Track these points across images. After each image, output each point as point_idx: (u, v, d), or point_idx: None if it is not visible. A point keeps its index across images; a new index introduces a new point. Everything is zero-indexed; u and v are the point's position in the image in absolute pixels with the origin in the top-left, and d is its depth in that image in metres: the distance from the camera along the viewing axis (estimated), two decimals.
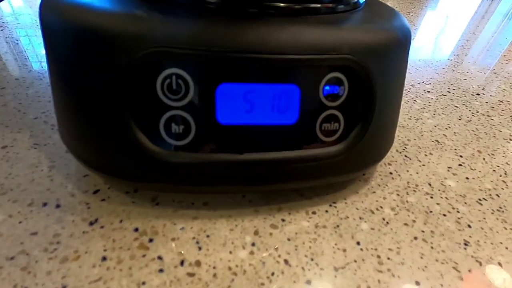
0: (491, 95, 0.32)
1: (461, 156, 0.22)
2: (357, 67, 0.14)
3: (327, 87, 0.14)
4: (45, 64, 0.27)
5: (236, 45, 0.13)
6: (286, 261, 0.14)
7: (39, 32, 0.33)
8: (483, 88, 0.33)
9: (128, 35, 0.12)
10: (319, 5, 0.15)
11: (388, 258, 0.15)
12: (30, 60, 0.28)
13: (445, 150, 0.23)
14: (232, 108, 0.14)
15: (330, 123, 0.15)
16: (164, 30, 0.13)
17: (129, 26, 0.13)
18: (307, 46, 0.13)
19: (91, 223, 0.15)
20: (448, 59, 0.40)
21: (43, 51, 0.29)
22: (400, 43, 0.16)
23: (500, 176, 0.21)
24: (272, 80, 0.14)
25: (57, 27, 0.14)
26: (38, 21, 0.35)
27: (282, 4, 0.14)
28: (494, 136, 0.25)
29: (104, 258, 0.13)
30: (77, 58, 0.13)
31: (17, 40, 0.31)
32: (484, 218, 0.17)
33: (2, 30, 0.32)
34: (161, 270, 0.13)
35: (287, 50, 0.13)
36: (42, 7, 0.14)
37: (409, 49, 0.17)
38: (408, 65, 0.37)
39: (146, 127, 0.14)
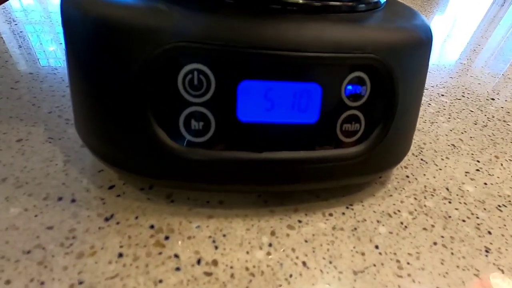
0: (506, 100, 0.31)
1: (478, 161, 0.22)
2: (380, 67, 0.14)
3: (349, 87, 0.14)
4: (55, 60, 0.27)
5: (259, 41, 0.13)
6: (304, 263, 0.14)
7: (48, 28, 0.33)
8: (498, 93, 0.33)
9: (150, 29, 0.12)
10: (340, 3, 0.15)
11: (408, 263, 0.14)
12: (42, 54, 0.28)
13: (462, 154, 0.22)
14: (253, 105, 0.13)
15: (351, 124, 0.15)
16: (186, 25, 0.12)
17: (150, 20, 0.12)
18: (330, 44, 0.13)
19: (106, 219, 0.14)
20: (461, 63, 0.39)
21: (51, 48, 0.29)
22: (422, 43, 0.16)
23: None
24: (294, 78, 0.13)
25: (78, 20, 0.14)
26: (47, 17, 0.35)
27: (302, 1, 0.14)
28: (511, 142, 0.25)
29: (120, 255, 0.13)
30: (98, 52, 0.13)
31: (28, 36, 0.31)
32: (505, 225, 0.17)
33: (16, 24, 0.33)
34: (177, 269, 0.13)
35: (310, 47, 0.13)
36: (63, 1, 0.14)
37: (431, 49, 0.17)
38: None
39: (166, 122, 0.13)
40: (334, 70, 0.14)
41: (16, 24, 0.33)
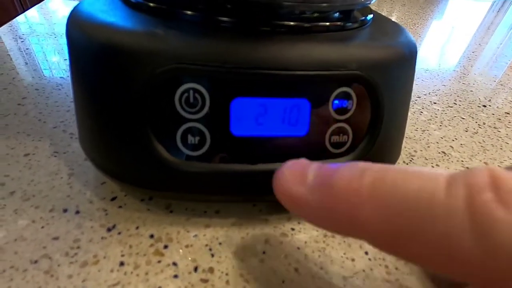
0: (497, 106, 0.32)
1: (467, 168, 0.22)
2: (365, 82, 0.15)
3: (336, 101, 0.15)
4: (60, 72, 0.28)
5: (250, 61, 0.14)
6: (296, 269, 0.14)
7: (53, 42, 0.34)
8: (490, 100, 0.33)
9: (148, 53, 0.13)
10: (327, 23, 0.16)
11: (396, 268, 0.15)
12: (48, 70, 0.29)
13: (452, 161, 0.23)
14: (245, 121, 0.14)
15: (339, 136, 0.15)
16: (182, 48, 0.13)
17: (149, 44, 0.13)
18: (317, 62, 0.14)
19: (109, 229, 0.15)
20: (454, 70, 0.40)
21: (54, 58, 0.31)
22: (406, 59, 0.16)
23: None
24: (284, 95, 0.14)
25: (81, 43, 0.15)
26: (54, 32, 0.37)
27: (292, 23, 0.15)
28: (501, 148, 0.25)
29: (121, 263, 0.14)
30: (100, 73, 0.14)
31: (34, 52, 0.32)
32: None
33: (22, 41, 0.34)
34: (176, 276, 0.14)
35: (298, 66, 0.14)
36: (68, 24, 0.15)
37: (415, 64, 0.18)
38: (415, 77, 0.37)
39: (164, 138, 0.14)
40: (321, 87, 0.15)
41: (22, 41, 0.34)
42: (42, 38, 0.36)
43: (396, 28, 0.19)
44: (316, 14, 0.16)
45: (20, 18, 0.41)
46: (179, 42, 0.13)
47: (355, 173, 0.09)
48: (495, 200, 0.07)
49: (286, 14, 0.15)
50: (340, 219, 0.09)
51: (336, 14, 0.17)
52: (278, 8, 0.15)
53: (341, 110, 0.15)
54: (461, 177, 0.08)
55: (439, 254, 0.07)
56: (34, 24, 0.40)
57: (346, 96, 0.15)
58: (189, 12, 0.15)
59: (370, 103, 0.15)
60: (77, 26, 0.15)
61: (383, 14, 0.24)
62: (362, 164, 0.09)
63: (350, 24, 0.17)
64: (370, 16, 0.19)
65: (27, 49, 0.32)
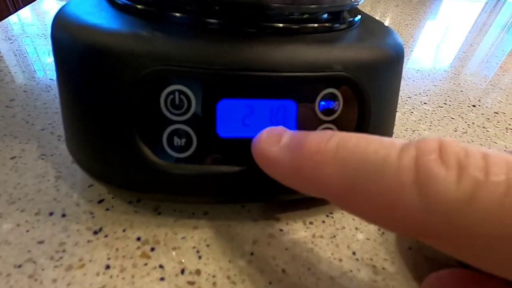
0: (487, 106, 0.32)
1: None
2: (351, 84, 0.15)
3: (322, 102, 0.15)
4: (50, 73, 0.28)
5: (235, 63, 0.14)
6: (283, 270, 0.14)
7: (45, 43, 0.34)
8: (479, 100, 0.34)
9: (133, 54, 0.13)
10: (315, 24, 0.16)
11: (383, 268, 0.15)
12: (38, 72, 0.29)
13: None
14: (231, 122, 0.14)
15: None
16: (167, 49, 0.13)
17: (134, 46, 0.13)
18: (303, 64, 0.14)
19: (95, 232, 0.15)
20: (445, 70, 0.41)
21: (49, 60, 0.30)
22: (392, 60, 0.17)
23: None
24: (270, 96, 0.14)
25: (66, 45, 0.15)
26: (45, 32, 0.37)
27: (280, 25, 0.15)
28: (490, 148, 0.26)
29: (107, 267, 0.14)
30: (86, 75, 0.14)
31: (26, 53, 0.32)
32: None
33: (11, 43, 0.34)
34: (162, 279, 0.14)
35: (284, 68, 0.14)
36: (53, 25, 0.15)
37: (401, 65, 0.18)
38: (406, 77, 0.37)
39: (150, 140, 0.14)
40: (307, 88, 0.15)
41: (12, 43, 0.34)
42: (35, 38, 0.35)
43: (383, 30, 0.19)
44: (304, 16, 0.16)
45: (13, 18, 0.41)
46: (165, 44, 0.13)
47: (323, 137, 0.10)
48: (438, 161, 0.08)
49: (273, 15, 0.15)
50: (306, 177, 0.10)
51: (324, 16, 0.17)
52: (266, 9, 0.15)
53: (327, 111, 0.15)
54: (414, 142, 0.09)
55: (385, 207, 0.08)
56: (26, 24, 0.39)
57: (333, 97, 0.15)
58: (176, 14, 0.15)
59: (356, 104, 0.16)
60: (62, 27, 0.15)
61: (377, 15, 0.24)
62: (331, 131, 0.11)
63: (337, 25, 0.17)
64: (358, 17, 0.19)
65: (18, 50, 0.32)
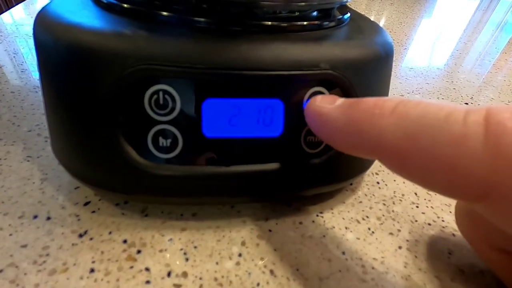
0: (479, 104, 0.32)
1: None
2: (339, 82, 0.15)
3: None
4: (34, 74, 0.28)
5: (220, 62, 0.13)
6: (271, 272, 0.14)
7: (30, 43, 0.34)
8: (472, 97, 0.34)
9: (116, 54, 0.13)
10: (304, 22, 0.16)
11: (373, 268, 0.15)
12: (26, 72, 0.28)
13: None
14: (217, 122, 0.14)
15: (314, 136, 0.15)
16: (151, 48, 0.13)
17: (117, 44, 0.13)
18: (289, 62, 0.14)
19: (80, 235, 0.15)
20: (439, 68, 0.41)
21: (30, 59, 0.30)
22: (380, 58, 0.16)
23: None
24: (256, 95, 0.14)
25: (48, 44, 0.14)
26: (31, 34, 0.36)
27: (268, 23, 0.15)
28: None
29: (92, 270, 0.13)
30: (68, 74, 0.14)
31: (16, 52, 0.31)
32: None
33: (0, 43, 0.33)
34: (148, 282, 0.13)
35: (270, 66, 0.14)
36: (35, 24, 0.15)
37: (390, 63, 0.18)
38: (399, 75, 0.37)
39: (135, 141, 0.14)
40: (295, 86, 0.15)
41: (1, 43, 0.33)
42: (24, 38, 0.35)
43: (373, 27, 0.19)
44: (292, 14, 0.16)
45: (5, 16, 0.40)
46: (148, 43, 0.13)
47: (380, 98, 0.10)
48: (511, 118, 0.08)
49: (261, 13, 0.15)
50: (362, 129, 0.10)
51: (313, 13, 0.17)
52: (253, 7, 0.15)
53: None
54: (482, 106, 0.08)
55: (448, 161, 0.08)
56: (17, 23, 0.39)
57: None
58: (162, 13, 0.14)
59: None
60: (44, 26, 0.15)
61: (372, 13, 0.24)
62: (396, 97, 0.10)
63: (326, 23, 0.17)
64: (347, 15, 0.19)
65: (7, 49, 0.32)
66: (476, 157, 0.08)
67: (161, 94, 0.13)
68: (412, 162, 0.09)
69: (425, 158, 0.09)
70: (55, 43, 0.14)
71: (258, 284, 0.14)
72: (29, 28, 0.37)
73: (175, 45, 0.13)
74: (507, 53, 0.49)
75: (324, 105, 0.12)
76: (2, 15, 0.41)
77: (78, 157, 0.15)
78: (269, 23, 0.15)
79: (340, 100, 0.12)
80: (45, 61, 0.15)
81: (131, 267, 0.14)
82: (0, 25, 0.38)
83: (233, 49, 0.14)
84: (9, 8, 0.45)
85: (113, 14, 0.15)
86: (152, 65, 0.13)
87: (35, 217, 0.15)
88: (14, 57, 0.31)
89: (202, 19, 0.14)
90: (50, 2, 0.16)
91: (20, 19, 0.40)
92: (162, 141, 0.14)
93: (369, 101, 0.10)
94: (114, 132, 0.14)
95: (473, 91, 0.35)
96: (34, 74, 0.28)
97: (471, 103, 0.32)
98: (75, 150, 0.15)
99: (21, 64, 0.29)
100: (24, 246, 0.14)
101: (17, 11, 0.43)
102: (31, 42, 0.34)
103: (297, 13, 0.16)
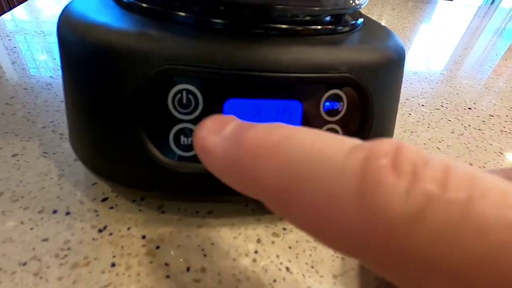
0: (482, 109, 0.33)
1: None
2: (355, 85, 0.15)
3: (327, 103, 0.15)
4: (47, 72, 0.28)
5: (243, 63, 0.14)
6: (287, 268, 0.15)
7: (42, 41, 0.34)
8: (475, 102, 0.34)
9: (142, 54, 0.13)
10: (319, 26, 0.16)
11: None
12: (37, 70, 0.28)
13: None
14: None
15: None
16: (176, 49, 0.13)
17: (143, 45, 0.13)
18: (309, 65, 0.14)
19: (100, 230, 0.15)
20: (441, 73, 0.41)
21: (42, 57, 0.30)
22: (394, 62, 0.17)
23: None
24: (276, 96, 0.15)
25: (73, 44, 0.15)
26: (41, 31, 0.36)
27: (284, 26, 0.15)
28: (485, 150, 0.26)
29: (113, 264, 0.14)
30: (93, 73, 0.14)
31: (21, 50, 0.32)
32: None
33: (10, 39, 0.33)
34: (167, 277, 0.14)
35: (291, 68, 0.14)
36: (59, 24, 0.15)
37: (403, 67, 0.18)
38: (403, 79, 0.38)
39: (157, 138, 0.14)
40: (313, 89, 0.15)
41: (10, 40, 0.33)
42: (30, 36, 0.35)
43: (385, 32, 0.19)
44: (307, 18, 0.17)
45: (7, 16, 0.40)
46: (173, 43, 0.14)
47: (268, 129, 0.08)
48: (389, 167, 0.06)
49: (278, 17, 0.16)
50: (243, 172, 0.09)
51: (328, 18, 0.18)
52: (270, 11, 0.15)
53: (331, 112, 0.15)
54: (368, 143, 0.07)
55: (323, 216, 0.07)
56: (21, 22, 0.39)
57: (337, 98, 0.15)
58: (181, 14, 0.15)
59: (360, 105, 0.16)
60: (69, 25, 0.15)
61: (373, 17, 0.24)
62: (279, 123, 0.09)
63: (341, 27, 0.17)
64: (361, 20, 0.19)
65: (14, 47, 0.32)
66: (350, 218, 0.06)
67: (184, 93, 0.14)
68: (290, 212, 0.08)
69: (302, 210, 0.07)
70: (80, 42, 0.14)
71: (275, 281, 0.14)
72: (30, 27, 0.37)
73: (199, 46, 0.14)
74: (507, 59, 0.50)
75: (210, 135, 0.10)
76: (14, 12, 0.41)
77: (99, 154, 0.15)
78: (285, 26, 0.15)
79: (228, 129, 0.10)
80: (69, 59, 0.15)
81: (151, 262, 0.14)
82: (9, 23, 0.38)
83: (255, 51, 0.14)
84: (11, 8, 0.45)
85: (134, 13, 0.15)
86: (177, 65, 0.13)
87: (55, 212, 0.16)
88: (23, 54, 0.31)
89: (220, 21, 0.15)
90: (72, 1, 0.16)
91: (22, 18, 0.40)
92: (183, 140, 0.14)
93: (255, 135, 0.08)
94: (137, 129, 0.14)
95: (476, 96, 0.36)
96: (45, 72, 0.28)
97: (474, 108, 0.33)
98: (96, 147, 0.15)
99: (32, 62, 0.30)
100: (45, 240, 0.14)
101: (18, 11, 0.43)
102: (35, 40, 0.34)
103: (312, 18, 0.17)
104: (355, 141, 0.07)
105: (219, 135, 0.10)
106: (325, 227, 0.07)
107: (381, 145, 0.07)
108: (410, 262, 0.06)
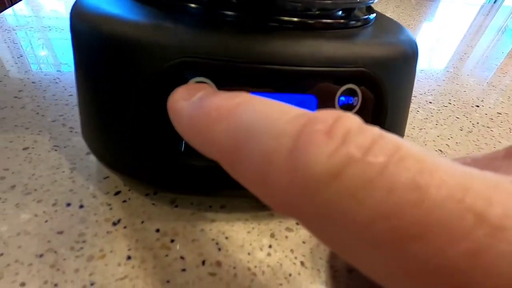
0: (489, 107, 0.33)
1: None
2: (370, 79, 0.15)
3: (342, 98, 0.15)
4: (50, 67, 0.28)
5: (258, 57, 0.14)
6: (302, 263, 0.15)
7: (43, 36, 0.34)
8: (482, 100, 0.34)
9: (158, 46, 0.13)
10: (333, 21, 0.16)
11: None
12: (44, 65, 0.28)
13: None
14: None
15: None
16: (190, 41, 0.13)
17: (158, 37, 0.13)
18: (324, 59, 0.14)
19: (114, 224, 0.15)
20: (447, 71, 0.41)
21: (43, 53, 0.30)
22: (408, 56, 0.17)
23: None
24: (291, 90, 0.14)
25: (86, 36, 0.14)
26: (42, 26, 0.36)
27: (297, 19, 0.15)
28: (495, 147, 0.26)
29: (128, 257, 0.14)
30: (106, 66, 0.14)
31: (29, 45, 0.31)
32: None
33: (16, 33, 0.33)
34: (183, 270, 0.14)
35: (305, 62, 0.14)
36: (72, 16, 0.15)
37: (416, 61, 0.18)
38: None
39: (171, 132, 0.14)
40: (328, 83, 0.15)
41: (16, 33, 0.33)
42: (33, 31, 0.35)
43: (397, 27, 0.19)
44: (320, 12, 0.16)
45: (8, 11, 0.40)
46: (188, 36, 0.13)
47: (228, 96, 0.09)
48: (324, 131, 0.07)
49: (291, 10, 0.16)
50: (201, 133, 0.09)
51: (340, 12, 0.17)
52: (283, 3, 0.15)
53: (346, 106, 0.15)
54: (312, 113, 0.07)
55: (260, 175, 0.07)
56: (22, 17, 0.39)
57: (352, 93, 0.15)
58: (194, 5, 0.15)
59: (374, 99, 0.16)
60: (82, 17, 0.15)
61: None
62: (241, 92, 0.09)
63: (354, 22, 0.17)
64: (373, 15, 0.19)
65: (16, 43, 0.32)
66: (279, 176, 0.07)
67: None
68: (238, 172, 0.08)
69: (246, 169, 0.08)
70: (94, 34, 0.14)
71: (290, 275, 0.14)
72: (32, 22, 0.37)
73: (215, 38, 0.14)
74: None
75: (180, 99, 0.10)
76: (6, 10, 0.41)
77: (111, 146, 0.15)
78: (297, 19, 0.15)
79: (198, 95, 0.10)
80: (82, 52, 0.15)
81: (166, 255, 0.14)
82: (8, 20, 0.38)
83: (271, 45, 0.14)
84: (12, 4, 0.44)
85: (146, 5, 0.15)
86: (194, 58, 0.13)
87: (68, 205, 0.16)
88: (31, 48, 0.31)
89: (233, 13, 0.14)
90: None
91: (23, 14, 0.40)
92: None
93: (215, 100, 0.09)
94: (150, 123, 0.14)
95: (483, 94, 0.36)
96: (51, 67, 0.28)
97: (482, 106, 0.33)
98: (109, 140, 0.15)
99: (39, 57, 0.29)
100: (60, 232, 0.14)
101: (19, 6, 0.43)
102: (37, 35, 0.34)
103: (325, 12, 0.17)
104: (302, 111, 0.08)
105: (187, 101, 0.10)
106: (262, 184, 0.07)
107: (322, 114, 0.07)
108: (329, 217, 0.06)
